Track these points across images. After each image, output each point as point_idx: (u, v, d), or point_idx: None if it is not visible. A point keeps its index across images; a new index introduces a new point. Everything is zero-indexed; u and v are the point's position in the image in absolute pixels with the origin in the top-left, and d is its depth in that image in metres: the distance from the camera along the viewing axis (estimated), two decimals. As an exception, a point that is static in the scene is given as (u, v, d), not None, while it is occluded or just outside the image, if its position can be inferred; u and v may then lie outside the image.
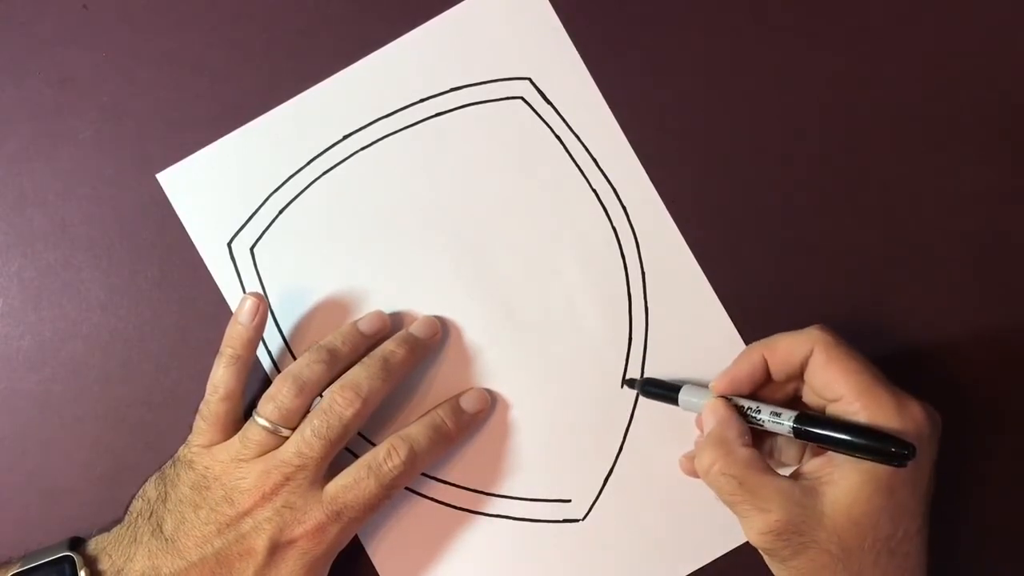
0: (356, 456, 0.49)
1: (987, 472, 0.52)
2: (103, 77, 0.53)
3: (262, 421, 0.47)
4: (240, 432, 0.48)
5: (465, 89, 0.52)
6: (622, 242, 0.52)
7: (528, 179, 0.52)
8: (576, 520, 0.52)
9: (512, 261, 0.52)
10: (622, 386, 0.51)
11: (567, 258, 0.52)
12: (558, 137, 0.52)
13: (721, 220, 0.52)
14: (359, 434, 0.51)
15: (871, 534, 0.43)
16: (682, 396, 0.49)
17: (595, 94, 0.52)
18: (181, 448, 0.49)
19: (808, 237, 0.52)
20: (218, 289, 0.52)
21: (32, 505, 0.52)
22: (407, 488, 0.51)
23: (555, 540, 0.51)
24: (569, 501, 0.52)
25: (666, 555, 0.51)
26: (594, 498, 0.51)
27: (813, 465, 0.45)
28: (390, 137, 0.52)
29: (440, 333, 0.51)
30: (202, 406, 0.49)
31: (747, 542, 0.45)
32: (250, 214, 0.53)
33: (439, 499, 0.52)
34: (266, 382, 0.52)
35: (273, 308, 0.52)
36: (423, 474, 0.51)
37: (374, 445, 0.49)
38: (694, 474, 0.48)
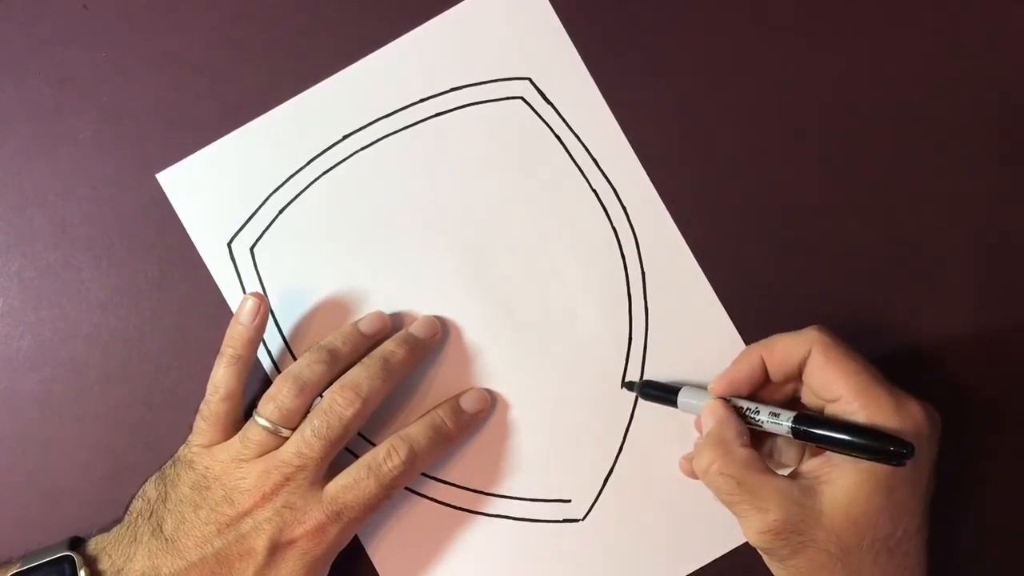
0: (356, 456, 0.49)
1: (987, 472, 0.52)
2: (103, 77, 0.53)
3: (262, 421, 0.47)
4: (240, 432, 0.48)
5: (465, 89, 0.52)
6: (622, 242, 0.52)
7: (528, 179, 0.52)
8: (576, 520, 0.52)
9: (512, 261, 0.52)
10: (621, 387, 0.51)
11: (567, 258, 0.52)
12: (558, 137, 0.52)
13: (721, 220, 0.52)
14: (359, 434, 0.51)
15: (870, 533, 0.43)
16: (681, 398, 0.49)
17: (595, 94, 0.52)
18: (181, 448, 0.49)
19: (808, 237, 0.52)
20: (218, 289, 0.52)
21: (32, 505, 0.52)
22: (407, 488, 0.51)
23: (555, 540, 0.51)
24: (569, 501, 0.52)
25: (666, 555, 0.51)
26: (594, 498, 0.51)
27: (811, 465, 0.45)
28: (390, 137, 0.52)
29: (440, 333, 0.51)
30: (202, 406, 0.49)
31: (747, 542, 0.45)
32: (250, 214, 0.53)
33: (439, 499, 0.52)
34: (266, 382, 0.52)
35: (273, 308, 0.52)
36: (423, 474, 0.51)
37: (374, 445, 0.49)
38: (694, 475, 0.48)
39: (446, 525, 0.52)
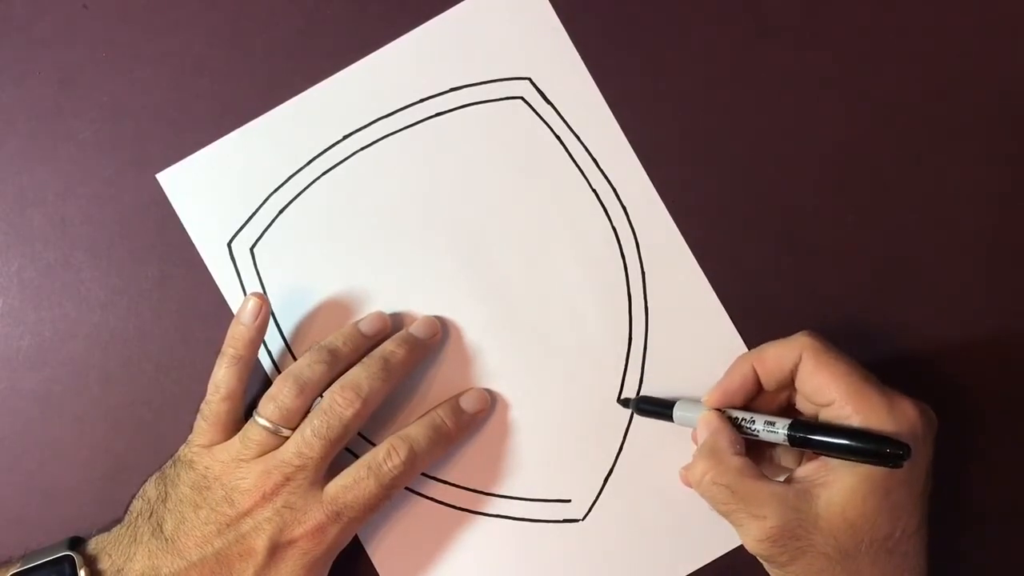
0: (356, 456, 0.49)
1: (988, 473, 0.51)
2: (103, 77, 0.53)
3: (263, 421, 0.47)
4: (241, 432, 0.48)
5: (465, 89, 0.52)
6: (622, 242, 0.52)
7: (528, 179, 0.52)
8: (576, 520, 0.51)
9: (512, 261, 0.52)
10: (617, 403, 0.51)
11: (567, 258, 0.52)
12: (558, 137, 0.52)
13: (721, 220, 0.52)
14: (359, 434, 0.50)
15: (868, 535, 0.43)
16: (677, 412, 0.49)
17: (595, 94, 0.52)
18: (182, 448, 0.49)
19: (808, 237, 0.52)
20: (218, 289, 0.52)
21: (32, 505, 0.52)
22: (407, 488, 0.51)
23: (555, 540, 0.51)
24: (569, 501, 0.52)
25: (666, 555, 0.51)
26: (594, 498, 0.51)
27: (807, 469, 0.45)
28: (390, 137, 0.52)
29: (440, 333, 0.51)
30: (203, 406, 0.49)
31: (746, 543, 0.45)
32: (250, 214, 0.53)
33: (439, 499, 0.52)
34: (267, 382, 0.52)
35: (273, 308, 0.52)
36: (423, 474, 0.51)
37: (374, 445, 0.49)
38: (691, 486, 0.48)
39: (446, 525, 0.52)
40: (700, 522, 0.51)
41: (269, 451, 0.47)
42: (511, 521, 0.52)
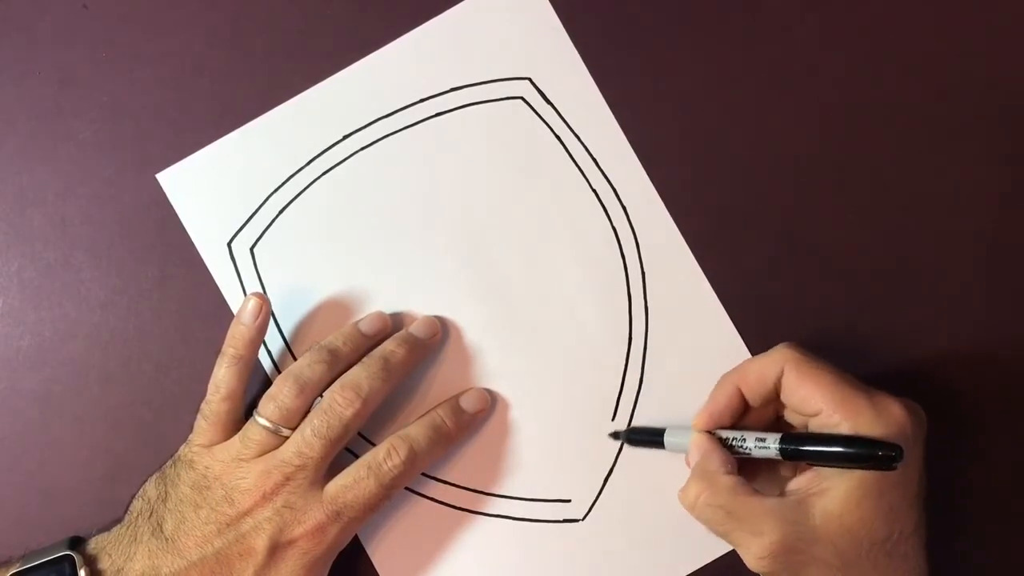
0: (357, 456, 0.49)
1: (987, 474, 0.51)
2: (103, 77, 0.53)
3: (263, 421, 0.47)
4: (241, 432, 0.48)
5: (465, 89, 0.52)
6: (622, 242, 0.52)
7: (528, 179, 0.52)
8: (576, 520, 0.51)
9: (512, 261, 0.52)
10: (608, 436, 0.51)
11: (567, 258, 0.52)
12: (558, 137, 0.52)
13: (721, 219, 0.52)
14: (359, 434, 0.50)
15: (866, 539, 0.43)
16: (667, 438, 0.49)
17: (595, 94, 0.52)
18: (182, 447, 0.49)
19: (808, 236, 0.52)
20: (218, 289, 0.52)
21: (32, 505, 0.52)
22: (408, 488, 0.51)
23: (555, 540, 0.51)
24: (569, 501, 0.52)
25: (667, 554, 0.51)
26: (594, 498, 0.51)
27: (800, 481, 0.45)
28: (390, 137, 0.52)
29: (440, 333, 0.51)
30: (203, 405, 0.49)
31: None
32: (250, 214, 0.53)
33: (440, 499, 0.52)
34: (267, 382, 0.52)
35: (273, 308, 0.52)
36: (423, 474, 0.51)
37: (374, 445, 0.49)
38: None
39: (446, 525, 0.52)
40: (700, 521, 0.51)
41: (269, 451, 0.47)
42: (511, 521, 0.52)
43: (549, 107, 0.52)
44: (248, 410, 0.49)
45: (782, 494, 0.45)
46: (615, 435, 0.51)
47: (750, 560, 0.44)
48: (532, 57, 0.52)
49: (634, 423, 0.52)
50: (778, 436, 0.45)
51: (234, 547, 0.46)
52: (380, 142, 0.52)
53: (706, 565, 0.51)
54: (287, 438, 0.48)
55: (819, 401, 0.44)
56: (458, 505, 0.52)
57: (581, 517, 0.52)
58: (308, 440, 0.47)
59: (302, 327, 0.52)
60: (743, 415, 0.48)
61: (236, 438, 0.48)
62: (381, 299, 0.52)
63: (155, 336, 0.52)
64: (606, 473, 0.52)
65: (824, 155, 0.52)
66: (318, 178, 0.52)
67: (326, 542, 0.47)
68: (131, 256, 0.52)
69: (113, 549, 0.47)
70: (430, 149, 0.52)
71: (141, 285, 0.52)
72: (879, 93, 0.52)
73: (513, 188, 0.52)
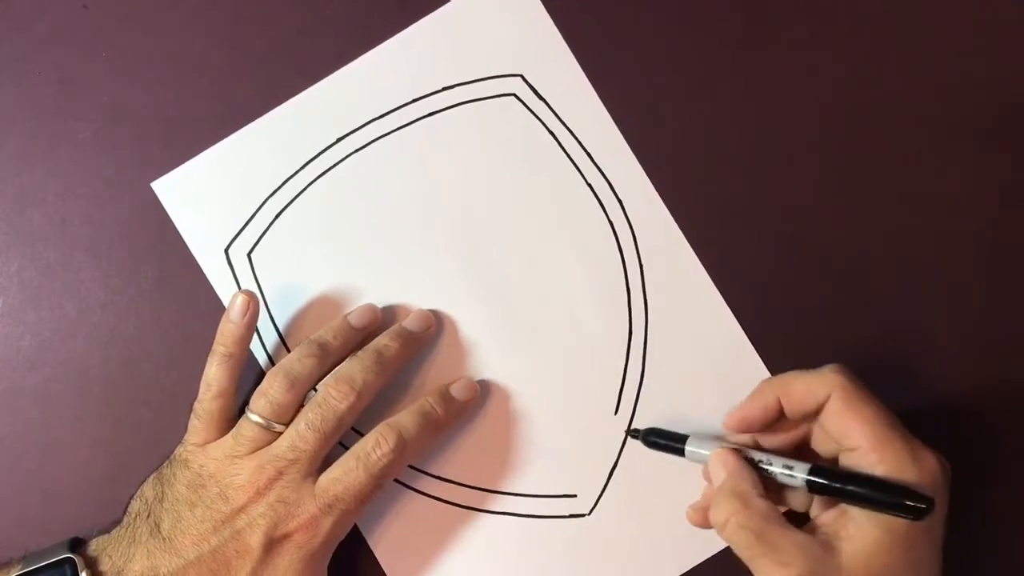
0: (352, 453, 0.49)
1: (984, 476, 0.51)
2: (103, 77, 0.53)
3: (255, 417, 0.47)
4: (234, 429, 0.48)
5: (457, 88, 0.52)
6: (619, 235, 0.52)
7: (523, 176, 0.52)
8: (583, 515, 0.51)
9: (510, 258, 0.52)
10: (625, 433, 0.51)
11: (564, 253, 0.52)
12: (552, 133, 0.52)
13: (718, 211, 0.52)
14: (353, 429, 0.50)
15: None
16: (688, 447, 0.48)
17: (587, 88, 0.52)
18: (177, 447, 0.49)
19: (807, 228, 0.52)
20: (218, 289, 0.52)
21: (32, 505, 0.52)
22: (413, 488, 0.51)
23: (562, 535, 0.51)
24: (575, 496, 0.52)
25: (675, 546, 0.51)
26: (600, 491, 0.51)
27: (828, 517, 0.44)
28: (384, 138, 0.52)
29: (434, 327, 0.51)
30: (196, 404, 0.49)
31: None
32: (246, 220, 0.52)
33: (445, 498, 0.51)
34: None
35: (271, 312, 0.52)
36: (428, 473, 0.51)
37: (371, 441, 0.49)
38: (702, 525, 0.47)
39: (453, 524, 0.51)
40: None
41: (263, 447, 0.47)
42: (518, 518, 0.51)
43: (542, 103, 0.52)
44: (243, 408, 0.49)
45: (812, 529, 0.44)
46: (634, 433, 0.51)
47: None
48: (523, 53, 0.52)
49: (637, 417, 0.51)
50: (807, 467, 0.44)
51: (230, 544, 0.46)
52: (374, 143, 0.52)
53: (716, 554, 0.51)
54: (280, 433, 0.48)
55: (859, 437, 0.43)
56: (464, 504, 0.52)
57: (588, 512, 0.51)
58: (302, 434, 0.47)
59: (301, 330, 0.52)
60: (773, 425, 0.47)
61: (229, 435, 0.48)
62: (380, 299, 0.52)
63: (155, 336, 0.52)
64: (611, 466, 0.51)
65: (824, 155, 0.52)
66: (313, 181, 0.52)
67: (321, 535, 0.47)
68: (131, 256, 0.52)
69: (113, 551, 0.47)
70: (424, 149, 0.52)
71: (141, 285, 0.52)
72: (879, 93, 0.52)
73: (508, 185, 0.52)
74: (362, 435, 0.51)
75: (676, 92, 0.52)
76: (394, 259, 0.52)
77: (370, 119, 0.52)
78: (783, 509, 0.48)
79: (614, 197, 0.52)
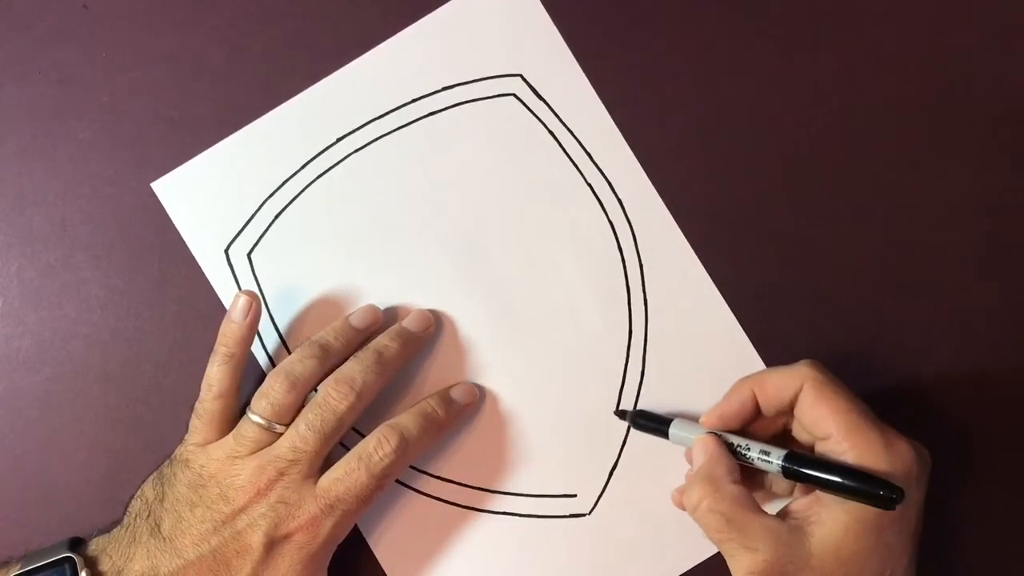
0: (353, 453, 0.49)
1: (979, 484, 0.51)
2: (103, 77, 0.53)
3: (255, 418, 0.47)
4: (235, 429, 0.48)
5: (457, 88, 0.52)
6: (619, 235, 0.52)
7: (523, 175, 0.52)
8: (583, 515, 0.51)
9: (510, 258, 0.52)
10: (614, 414, 0.51)
11: (564, 253, 0.52)
12: (551, 132, 0.52)
13: (717, 211, 0.52)
14: (354, 429, 0.51)
15: (858, 574, 0.43)
16: (672, 430, 0.49)
17: (586, 87, 0.52)
18: (178, 447, 0.49)
19: (807, 228, 0.52)
20: (218, 289, 0.52)
21: (32, 505, 0.52)
22: (413, 488, 0.51)
23: (563, 535, 0.51)
24: (575, 496, 0.52)
25: (675, 544, 0.51)
26: (600, 491, 0.51)
27: (801, 504, 0.45)
28: (384, 138, 0.52)
29: (434, 326, 0.51)
30: (197, 405, 0.49)
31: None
32: (246, 220, 0.52)
33: (446, 499, 0.52)
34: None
35: (272, 312, 0.52)
36: (428, 473, 0.51)
37: (371, 442, 0.49)
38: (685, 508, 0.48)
39: (454, 525, 0.51)
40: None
41: (263, 447, 0.47)
42: (518, 518, 0.52)
43: (541, 102, 0.52)
44: (243, 409, 0.49)
45: (783, 514, 0.45)
46: (621, 414, 0.51)
47: (739, 573, 0.44)
48: (522, 53, 0.52)
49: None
50: (783, 453, 0.45)
51: (231, 544, 0.46)
52: (374, 143, 0.52)
53: (714, 555, 0.51)
54: (281, 434, 0.48)
55: (830, 426, 0.44)
56: (465, 504, 0.52)
57: (588, 511, 0.51)
58: (302, 434, 0.47)
59: (302, 331, 0.52)
60: (752, 421, 0.47)
61: (230, 436, 0.48)
62: (380, 299, 0.52)
63: (155, 336, 0.52)
64: (611, 466, 0.51)
65: (823, 155, 0.52)
66: (313, 181, 0.52)
67: (321, 536, 0.47)
68: (131, 256, 0.52)
69: (113, 550, 0.47)
70: (424, 149, 0.52)
71: (141, 285, 0.52)
72: (879, 93, 0.52)
73: (508, 185, 0.52)
74: (363, 436, 0.51)
75: (676, 92, 0.52)
76: (394, 259, 0.52)
77: (370, 119, 0.52)
78: (773, 499, 0.48)
79: (614, 197, 0.52)
